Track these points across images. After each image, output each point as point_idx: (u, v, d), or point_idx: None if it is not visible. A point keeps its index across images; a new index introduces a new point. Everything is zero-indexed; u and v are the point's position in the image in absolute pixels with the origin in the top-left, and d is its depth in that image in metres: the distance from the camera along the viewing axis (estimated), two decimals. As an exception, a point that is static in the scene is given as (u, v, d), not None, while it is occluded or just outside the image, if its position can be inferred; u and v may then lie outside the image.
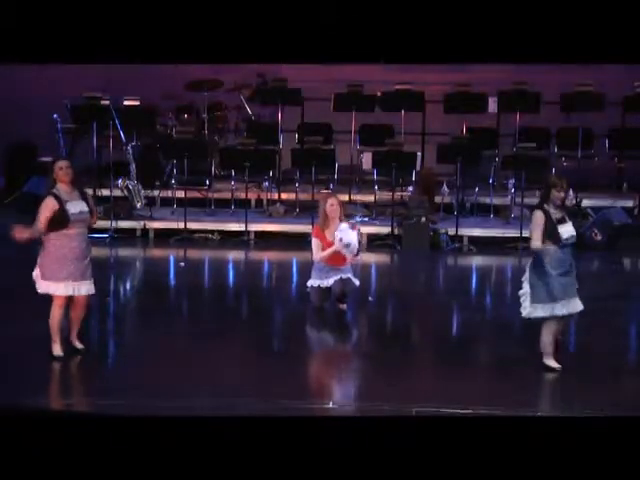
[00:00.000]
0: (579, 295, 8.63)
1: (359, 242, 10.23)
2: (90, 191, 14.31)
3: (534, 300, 8.51)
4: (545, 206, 8.50)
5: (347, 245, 9.98)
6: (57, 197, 8.56)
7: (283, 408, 7.64)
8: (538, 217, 8.50)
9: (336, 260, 10.20)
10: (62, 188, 8.63)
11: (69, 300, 8.74)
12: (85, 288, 8.74)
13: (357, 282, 10.32)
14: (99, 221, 13.79)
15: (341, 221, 10.22)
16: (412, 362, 9.18)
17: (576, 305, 8.60)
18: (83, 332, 8.96)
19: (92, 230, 13.57)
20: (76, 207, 8.62)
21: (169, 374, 8.45)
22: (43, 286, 8.66)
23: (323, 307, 10.34)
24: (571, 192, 14.34)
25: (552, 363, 8.59)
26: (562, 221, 8.50)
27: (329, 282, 10.19)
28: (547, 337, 8.58)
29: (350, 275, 10.25)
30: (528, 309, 8.56)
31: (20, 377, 8.31)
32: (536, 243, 8.48)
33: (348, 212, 11.85)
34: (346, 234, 10.04)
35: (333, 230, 10.18)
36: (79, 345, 8.91)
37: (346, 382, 8.78)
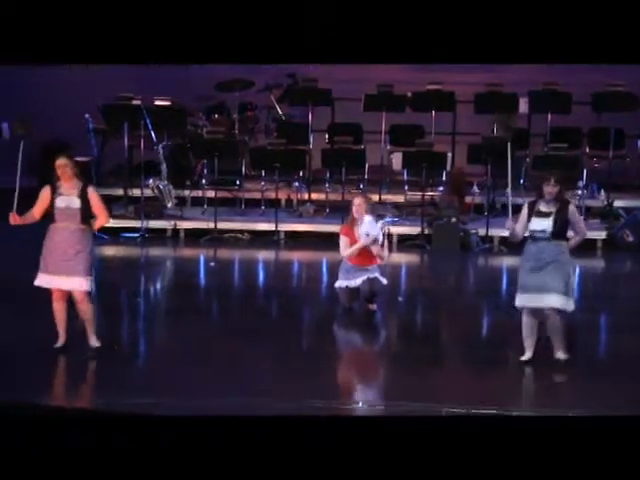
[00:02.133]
0: (569, 294, 8.59)
1: (383, 234, 10.25)
2: (120, 191, 14.51)
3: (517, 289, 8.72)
4: (539, 200, 8.68)
5: (370, 236, 10.04)
6: (53, 188, 8.74)
7: (312, 407, 7.65)
8: (523, 208, 8.80)
9: (363, 260, 10.20)
10: (63, 184, 8.78)
11: (69, 295, 8.79)
12: (71, 284, 8.71)
13: (385, 281, 10.31)
14: (130, 221, 13.96)
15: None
16: (442, 362, 9.17)
17: (546, 300, 8.54)
18: (114, 331, 8.97)
19: (123, 230, 13.71)
20: (64, 202, 8.72)
21: (198, 374, 8.47)
22: (37, 279, 8.79)
23: (352, 307, 10.34)
24: (602, 193, 14.47)
25: (522, 356, 8.69)
26: (542, 215, 8.62)
27: (357, 282, 10.19)
28: (523, 329, 8.67)
29: (377, 274, 10.24)
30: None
31: (35, 375, 8.39)
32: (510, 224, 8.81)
33: (378, 212, 11.79)
34: (371, 227, 10.07)
35: (360, 228, 10.22)
36: (93, 343, 8.89)
37: (375, 382, 8.78)
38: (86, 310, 8.79)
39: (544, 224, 8.59)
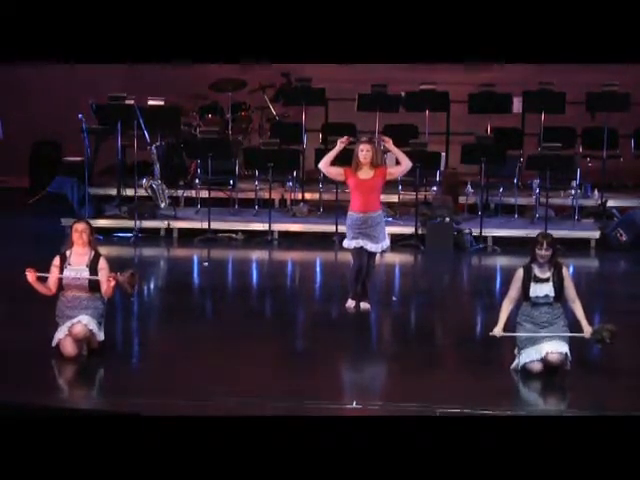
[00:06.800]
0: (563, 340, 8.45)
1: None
2: (113, 191, 14.49)
3: (519, 349, 8.53)
4: (532, 264, 8.48)
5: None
6: (63, 258, 8.71)
7: (306, 408, 7.64)
8: (516, 274, 8.56)
9: (366, 204, 10.31)
10: (75, 250, 8.76)
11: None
12: (78, 321, 8.61)
13: (386, 244, 10.43)
14: (124, 221, 13.96)
15: (373, 165, 10.39)
16: (436, 362, 9.17)
17: (560, 347, 8.35)
18: (106, 330, 8.94)
19: (116, 230, 13.68)
20: (72, 272, 8.69)
21: (190, 374, 8.46)
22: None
23: (362, 266, 10.23)
24: (596, 192, 14.48)
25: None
26: (541, 281, 8.44)
27: (359, 243, 10.21)
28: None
29: (377, 245, 10.25)
30: (515, 360, 8.56)
31: (36, 376, 8.40)
32: (504, 304, 8.62)
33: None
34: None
35: (364, 174, 10.35)
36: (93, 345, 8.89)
37: (369, 382, 8.77)
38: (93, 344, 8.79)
39: (545, 289, 8.42)
